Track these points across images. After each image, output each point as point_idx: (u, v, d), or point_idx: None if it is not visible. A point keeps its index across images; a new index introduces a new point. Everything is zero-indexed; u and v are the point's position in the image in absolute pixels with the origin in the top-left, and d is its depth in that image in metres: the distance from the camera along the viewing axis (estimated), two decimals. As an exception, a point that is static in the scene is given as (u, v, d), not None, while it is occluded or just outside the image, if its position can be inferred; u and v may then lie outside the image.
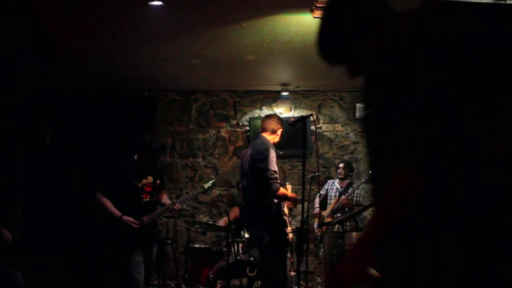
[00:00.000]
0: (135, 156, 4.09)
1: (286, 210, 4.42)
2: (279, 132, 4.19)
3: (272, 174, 3.86)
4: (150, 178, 4.09)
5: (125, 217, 3.89)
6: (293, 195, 4.23)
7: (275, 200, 3.98)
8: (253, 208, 4.02)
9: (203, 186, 4.55)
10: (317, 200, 5.94)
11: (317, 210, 5.91)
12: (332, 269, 5.72)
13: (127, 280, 3.95)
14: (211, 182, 4.62)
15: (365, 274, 1.39)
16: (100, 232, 4.22)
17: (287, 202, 4.36)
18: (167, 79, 6.01)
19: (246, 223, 4.68)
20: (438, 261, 1.34)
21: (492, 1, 3.30)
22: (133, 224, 3.90)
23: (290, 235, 4.06)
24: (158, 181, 4.18)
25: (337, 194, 5.81)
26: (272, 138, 4.14)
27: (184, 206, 6.31)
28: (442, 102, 1.31)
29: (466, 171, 1.33)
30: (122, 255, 3.96)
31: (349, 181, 5.92)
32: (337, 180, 5.94)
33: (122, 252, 3.96)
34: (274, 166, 3.91)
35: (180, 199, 4.38)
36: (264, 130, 4.18)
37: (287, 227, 4.02)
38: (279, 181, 3.91)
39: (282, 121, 4.25)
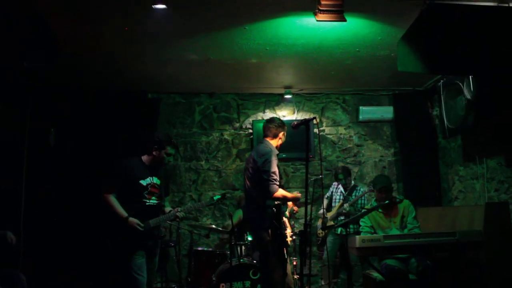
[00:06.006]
0: (142, 157, 4.09)
1: (287, 213, 4.37)
2: (281, 135, 4.19)
3: (271, 176, 3.87)
4: (157, 180, 4.08)
5: (131, 219, 3.85)
6: (294, 195, 4.11)
7: (276, 202, 3.97)
8: (253, 209, 4.02)
9: (212, 198, 4.55)
10: (325, 202, 5.94)
11: (321, 211, 5.91)
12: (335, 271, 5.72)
13: (130, 283, 3.92)
14: (220, 194, 4.61)
15: None
16: (103, 233, 4.21)
17: (292, 204, 4.29)
18: (171, 81, 6.02)
19: (248, 225, 4.66)
20: None
21: (496, 4, 3.30)
22: (138, 227, 3.86)
23: (289, 238, 3.99)
24: (163, 185, 4.19)
25: (342, 197, 5.80)
26: (274, 142, 4.16)
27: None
28: None
29: None
30: (125, 256, 3.91)
31: (353, 183, 5.90)
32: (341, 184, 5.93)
33: (125, 253, 3.91)
34: (274, 167, 3.92)
35: (185, 207, 4.34)
36: (266, 135, 4.20)
37: (286, 229, 3.98)
38: (277, 183, 3.91)
39: (283, 123, 4.24)
